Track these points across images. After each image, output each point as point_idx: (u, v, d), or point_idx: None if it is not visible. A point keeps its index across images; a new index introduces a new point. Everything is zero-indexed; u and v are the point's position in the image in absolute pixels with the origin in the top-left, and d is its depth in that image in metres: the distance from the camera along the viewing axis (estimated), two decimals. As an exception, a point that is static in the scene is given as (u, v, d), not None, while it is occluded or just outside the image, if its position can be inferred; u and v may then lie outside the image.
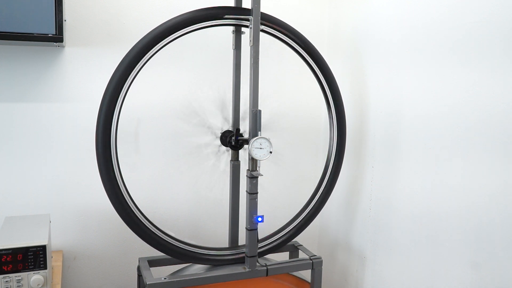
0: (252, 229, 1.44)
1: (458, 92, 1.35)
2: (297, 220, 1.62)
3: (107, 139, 1.28)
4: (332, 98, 1.61)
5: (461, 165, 1.35)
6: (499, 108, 1.23)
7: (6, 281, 1.22)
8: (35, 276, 1.24)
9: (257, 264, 1.49)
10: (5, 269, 1.22)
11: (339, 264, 1.97)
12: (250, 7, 1.41)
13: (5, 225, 1.38)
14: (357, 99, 1.83)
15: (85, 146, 1.65)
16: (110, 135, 1.28)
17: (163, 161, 1.79)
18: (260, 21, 1.40)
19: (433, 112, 1.44)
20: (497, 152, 1.24)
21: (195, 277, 1.41)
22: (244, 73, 1.50)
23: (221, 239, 1.84)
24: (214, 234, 1.91)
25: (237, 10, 1.42)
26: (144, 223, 1.36)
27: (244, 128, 1.54)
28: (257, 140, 1.39)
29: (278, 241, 1.59)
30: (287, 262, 1.56)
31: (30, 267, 1.24)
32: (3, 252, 1.21)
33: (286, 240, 1.61)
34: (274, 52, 1.89)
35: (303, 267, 1.57)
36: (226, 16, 1.40)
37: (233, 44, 1.53)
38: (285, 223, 1.63)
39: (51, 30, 1.41)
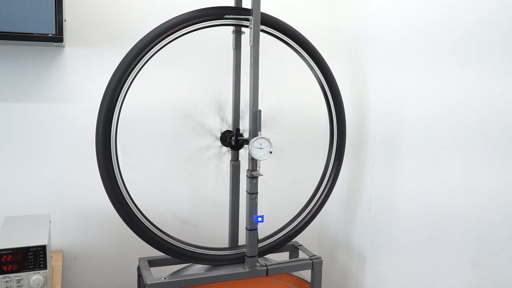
0: (252, 229, 1.44)
1: (458, 92, 1.35)
2: (297, 220, 1.62)
3: (107, 139, 1.28)
4: (332, 98, 1.61)
5: (461, 165, 1.35)
6: (499, 108, 1.23)
7: (6, 281, 1.22)
8: (35, 276, 1.24)
9: (257, 264, 1.49)
10: (5, 269, 1.22)
11: (339, 264, 1.97)
12: (250, 7, 1.41)
13: (5, 225, 1.38)
14: (357, 99, 1.83)
15: (85, 146, 1.65)
16: (110, 135, 1.28)
17: (163, 161, 1.79)
18: (260, 21, 1.40)
19: (433, 112, 1.44)
20: (497, 152, 1.24)
21: (195, 277, 1.41)
22: (244, 73, 1.50)
23: (221, 239, 1.84)
24: (214, 234, 1.91)
25: (237, 10, 1.42)
26: (144, 223, 1.36)
27: (242, 127, 1.55)
28: (257, 140, 1.39)
29: (278, 241, 1.59)
30: (287, 262, 1.56)
31: (30, 267, 1.24)
32: (3, 252, 1.21)
33: (286, 240, 1.61)
34: (274, 52, 1.88)
35: (303, 267, 1.57)
36: (226, 16, 1.40)
37: (233, 44, 1.53)
38: (285, 223, 1.63)
39: (51, 30, 1.41)
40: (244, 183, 1.46)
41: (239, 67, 1.54)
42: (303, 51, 1.55)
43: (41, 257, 1.24)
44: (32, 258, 1.24)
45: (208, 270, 1.49)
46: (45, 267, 1.25)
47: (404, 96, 1.57)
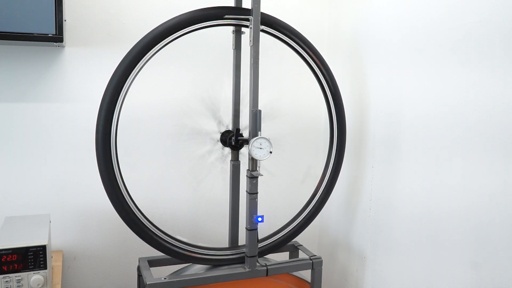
0: (252, 229, 1.44)
1: (458, 92, 1.35)
2: (297, 220, 1.62)
3: (107, 139, 1.28)
4: (332, 98, 1.61)
5: (461, 165, 1.35)
6: (499, 108, 1.23)
7: (6, 281, 1.22)
8: (35, 276, 1.24)
9: (257, 264, 1.49)
10: (5, 269, 1.22)
11: (339, 264, 1.97)
12: (250, 7, 1.41)
13: (5, 225, 1.38)
14: (357, 99, 1.83)
15: (85, 146, 1.65)
16: (110, 135, 1.28)
17: (163, 161, 1.79)
18: (260, 21, 1.40)
19: (433, 112, 1.44)
20: (497, 152, 1.24)
21: (195, 277, 1.41)
22: (244, 73, 1.50)
23: (221, 239, 1.84)
24: (214, 234, 1.91)
25: (237, 10, 1.42)
26: (144, 223, 1.36)
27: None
28: (257, 140, 1.39)
29: (278, 241, 1.59)
30: (287, 262, 1.56)
31: (30, 267, 1.24)
32: (3, 252, 1.21)
33: (286, 240, 1.61)
34: (274, 52, 1.88)
35: (303, 267, 1.57)
36: (226, 16, 1.40)
37: (233, 44, 1.53)
38: (285, 223, 1.63)
39: (51, 30, 1.41)
40: (244, 183, 1.46)
41: (239, 67, 1.54)
42: (303, 51, 1.55)
43: (41, 257, 1.24)
44: (32, 258, 1.24)
45: (208, 270, 1.49)
46: (45, 267, 1.25)
47: (404, 96, 1.57)
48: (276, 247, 1.59)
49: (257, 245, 1.48)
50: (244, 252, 1.50)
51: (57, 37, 1.42)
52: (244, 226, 1.46)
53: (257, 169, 1.42)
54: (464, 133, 1.33)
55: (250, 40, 1.40)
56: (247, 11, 1.43)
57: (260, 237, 1.49)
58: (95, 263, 1.75)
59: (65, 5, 1.48)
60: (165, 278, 1.38)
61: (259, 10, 1.39)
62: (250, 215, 1.44)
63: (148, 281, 1.36)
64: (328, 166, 1.64)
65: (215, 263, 1.49)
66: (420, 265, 1.50)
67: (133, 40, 1.34)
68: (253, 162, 1.42)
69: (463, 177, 1.34)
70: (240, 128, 1.55)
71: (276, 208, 2.01)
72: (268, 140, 1.39)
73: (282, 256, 1.72)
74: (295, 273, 1.62)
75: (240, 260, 1.51)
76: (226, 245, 1.61)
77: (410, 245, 1.54)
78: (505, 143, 1.21)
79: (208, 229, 1.91)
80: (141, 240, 1.37)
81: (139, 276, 1.51)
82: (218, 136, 1.63)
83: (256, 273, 1.48)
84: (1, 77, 1.55)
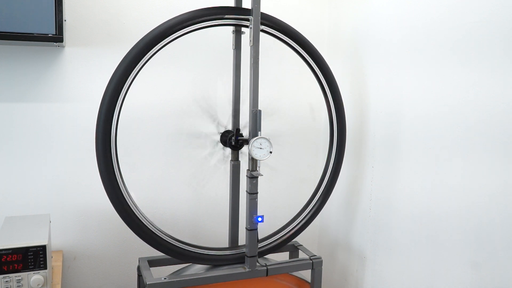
0: (252, 229, 1.44)
1: (458, 92, 1.35)
2: (297, 220, 1.62)
3: (107, 139, 1.28)
4: (332, 98, 1.61)
5: (461, 165, 1.35)
6: (499, 108, 1.23)
7: (6, 281, 1.22)
8: (35, 276, 1.24)
9: (257, 264, 1.49)
10: (5, 269, 1.22)
11: (339, 264, 1.97)
12: (250, 7, 1.41)
13: (5, 225, 1.38)
14: (357, 99, 1.83)
15: (85, 146, 1.65)
16: (110, 135, 1.28)
17: (163, 161, 1.79)
18: (260, 21, 1.40)
19: (433, 112, 1.44)
20: (497, 152, 1.24)
21: (195, 277, 1.41)
22: (244, 73, 1.50)
23: (221, 239, 1.84)
24: (214, 234, 1.91)
25: (237, 10, 1.42)
26: (144, 223, 1.36)
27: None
28: (257, 140, 1.39)
29: (278, 241, 1.59)
30: (287, 262, 1.56)
31: (30, 267, 1.24)
32: (3, 252, 1.21)
33: (286, 240, 1.61)
34: (274, 52, 1.88)
35: (303, 267, 1.57)
36: (226, 16, 1.40)
37: (233, 44, 1.53)
38: (285, 223, 1.63)
39: (51, 30, 1.41)
40: (244, 183, 1.46)
41: (239, 67, 1.54)
42: (303, 51, 1.55)
43: (41, 257, 1.24)
44: (32, 258, 1.24)
45: (208, 270, 1.49)
46: (45, 267, 1.25)
47: (404, 96, 1.57)
48: (276, 247, 1.59)
49: (257, 245, 1.48)
50: (244, 252, 1.50)
51: (57, 37, 1.42)
52: (244, 226, 1.46)
53: (257, 169, 1.42)
54: (464, 133, 1.33)
55: (250, 40, 1.40)
56: (247, 11, 1.43)
57: (260, 237, 1.49)
58: (95, 263, 1.75)
59: (65, 5, 1.48)
60: (165, 278, 1.38)
61: (259, 10, 1.39)
62: (250, 215, 1.44)
63: (148, 281, 1.36)
64: (328, 166, 1.64)
65: (215, 263, 1.49)
66: (420, 265, 1.50)
67: (133, 40, 1.34)
68: (253, 162, 1.42)
69: (463, 177, 1.34)
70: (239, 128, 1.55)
71: (276, 208, 2.01)
72: (268, 140, 1.39)
73: (282, 256, 1.72)
74: (295, 273, 1.62)
75: (240, 260, 1.51)
76: (226, 245, 1.61)
77: (410, 245, 1.54)
78: (505, 143, 1.21)
79: (208, 229, 1.91)
80: (141, 240, 1.37)
81: (139, 276, 1.51)
82: (218, 137, 1.63)
83: (256, 273, 1.48)
84: (1, 77, 1.55)
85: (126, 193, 1.33)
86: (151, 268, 1.47)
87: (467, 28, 1.31)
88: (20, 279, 1.23)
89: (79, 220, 1.71)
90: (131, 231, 1.36)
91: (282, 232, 1.60)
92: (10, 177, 1.59)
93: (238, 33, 1.52)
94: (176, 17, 1.35)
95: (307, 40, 1.55)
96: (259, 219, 1.44)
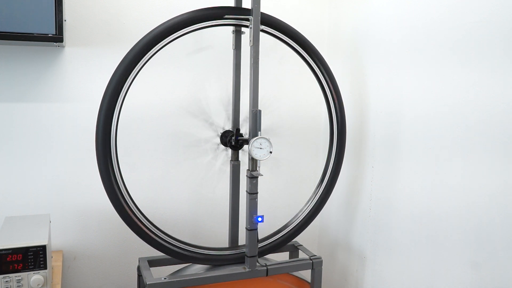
0: (252, 229, 1.44)
1: (458, 92, 1.35)
2: (297, 220, 1.62)
3: (107, 139, 1.28)
4: (332, 98, 1.61)
5: (461, 165, 1.35)
6: (499, 108, 1.23)
7: (6, 281, 1.22)
8: (35, 276, 1.24)
9: (257, 264, 1.49)
10: (5, 269, 1.22)
11: (339, 264, 1.97)
12: (250, 7, 1.41)
13: (5, 225, 1.38)
14: (357, 99, 1.83)
15: (85, 146, 1.65)
16: (110, 135, 1.28)
17: (163, 161, 1.79)
18: (260, 21, 1.40)
19: (433, 112, 1.44)
20: (497, 152, 1.24)
21: (195, 277, 1.41)
22: (244, 73, 1.50)
23: (221, 239, 1.84)
24: (214, 234, 1.91)
25: (237, 10, 1.42)
26: (144, 223, 1.37)
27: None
28: (257, 140, 1.38)
29: (278, 241, 1.59)
30: (287, 262, 1.56)
31: (30, 267, 1.24)
32: (3, 252, 1.21)
33: (286, 240, 1.61)
34: (274, 52, 1.88)
35: (303, 267, 1.57)
36: (226, 16, 1.40)
37: (233, 44, 1.53)
38: (285, 223, 1.63)
39: (51, 30, 1.41)
40: (244, 183, 1.46)
41: (239, 67, 1.54)
42: (303, 51, 1.55)
43: (41, 257, 1.24)
44: (32, 258, 1.24)
45: (208, 270, 1.49)
46: (45, 267, 1.25)
47: (404, 96, 1.57)
48: (276, 247, 1.59)
49: (257, 245, 1.48)
50: (244, 252, 1.50)
51: (57, 37, 1.42)
52: (244, 226, 1.46)
53: (257, 169, 1.42)
54: (464, 133, 1.33)
55: (250, 40, 1.40)
56: (247, 11, 1.43)
57: (260, 237, 1.49)
58: (95, 263, 1.75)
59: (65, 5, 1.48)
60: (165, 278, 1.38)
61: (259, 10, 1.39)
62: (250, 215, 1.44)
63: (148, 281, 1.36)
64: (328, 166, 1.64)
65: (215, 263, 1.49)
66: (420, 265, 1.50)
67: (133, 40, 1.34)
68: (253, 162, 1.42)
69: (463, 177, 1.34)
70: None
71: (276, 208, 2.01)
72: (268, 140, 1.39)
73: (282, 256, 1.72)
74: (295, 273, 1.62)
75: (240, 260, 1.51)
76: (226, 245, 1.61)
77: (410, 245, 1.54)
78: (505, 143, 1.21)
79: (208, 229, 1.91)
80: (141, 240, 1.37)
81: (139, 276, 1.51)
82: (218, 137, 1.63)
83: (256, 273, 1.48)
84: (1, 77, 1.55)
85: (126, 193, 1.33)
86: (151, 268, 1.47)
87: (467, 28, 1.31)
88: (20, 279, 1.23)
89: (79, 220, 1.71)
90: (131, 231, 1.36)
91: (282, 232, 1.60)
92: (10, 177, 1.60)
93: (238, 33, 1.52)
94: (176, 17, 1.35)
95: (307, 40, 1.55)
96: (259, 219, 1.44)
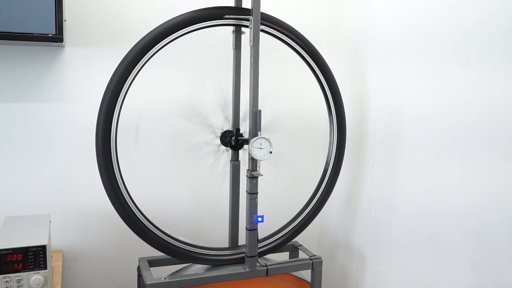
0: (252, 229, 1.44)
1: (458, 92, 1.35)
2: (297, 220, 1.62)
3: (107, 139, 1.28)
4: (332, 98, 1.61)
5: (461, 165, 1.35)
6: (499, 108, 1.23)
7: (6, 281, 1.22)
8: (35, 276, 1.24)
9: (257, 264, 1.49)
10: (5, 269, 1.22)
11: (339, 264, 1.97)
12: (250, 7, 1.41)
13: (5, 225, 1.38)
14: (357, 99, 1.83)
15: (85, 146, 1.65)
16: (110, 135, 1.28)
17: (163, 161, 1.79)
18: (260, 21, 1.40)
19: (433, 112, 1.44)
20: (497, 152, 1.24)
21: (195, 277, 1.41)
22: (244, 73, 1.50)
23: (221, 239, 1.84)
24: (214, 234, 1.91)
25: (237, 10, 1.42)
26: (144, 223, 1.36)
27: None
28: (257, 140, 1.38)
29: (278, 241, 1.59)
30: (287, 262, 1.56)
31: (30, 267, 1.24)
32: (3, 252, 1.21)
33: (286, 240, 1.61)
34: (274, 52, 1.88)
35: (303, 267, 1.57)
36: (226, 16, 1.40)
37: (233, 44, 1.53)
38: (285, 223, 1.63)
39: (51, 30, 1.41)
40: (244, 183, 1.46)
41: (239, 67, 1.54)
42: (303, 51, 1.55)
43: (41, 257, 1.24)
44: (32, 258, 1.24)
45: (208, 270, 1.49)
46: (45, 267, 1.25)
47: (404, 96, 1.57)
48: (276, 247, 1.59)
49: (257, 245, 1.48)
50: (244, 252, 1.50)
51: (57, 37, 1.42)
52: (244, 226, 1.46)
53: (257, 169, 1.42)
54: (464, 133, 1.33)
55: (250, 40, 1.40)
56: (247, 11, 1.43)
57: (260, 237, 1.49)
58: (95, 263, 1.75)
59: (65, 5, 1.48)
60: (165, 278, 1.38)
61: (259, 10, 1.39)
62: (250, 215, 1.43)
63: (148, 281, 1.36)
64: (328, 166, 1.64)
65: (215, 263, 1.49)
66: (420, 265, 1.50)
67: (133, 40, 1.34)
68: (253, 162, 1.42)
69: (463, 177, 1.34)
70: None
71: (276, 208, 2.01)
72: (268, 140, 1.39)
73: (282, 256, 1.72)
74: (295, 273, 1.62)
75: (240, 260, 1.51)
76: (226, 245, 1.61)
77: (410, 245, 1.54)
78: (505, 143, 1.21)
79: (208, 229, 1.91)
80: (141, 240, 1.37)
81: (139, 276, 1.51)
82: (219, 136, 1.63)
83: (256, 273, 1.48)
84: (1, 77, 1.55)
85: (126, 193, 1.33)
86: (151, 268, 1.47)
87: (467, 28, 1.31)
88: (20, 279, 1.23)
89: (79, 220, 1.71)
90: (131, 231, 1.36)
91: (282, 232, 1.60)
92: (10, 177, 1.60)
93: (238, 33, 1.52)
94: (176, 17, 1.35)
95: (307, 40, 1.55)
96: (259, 219, 1.44)
